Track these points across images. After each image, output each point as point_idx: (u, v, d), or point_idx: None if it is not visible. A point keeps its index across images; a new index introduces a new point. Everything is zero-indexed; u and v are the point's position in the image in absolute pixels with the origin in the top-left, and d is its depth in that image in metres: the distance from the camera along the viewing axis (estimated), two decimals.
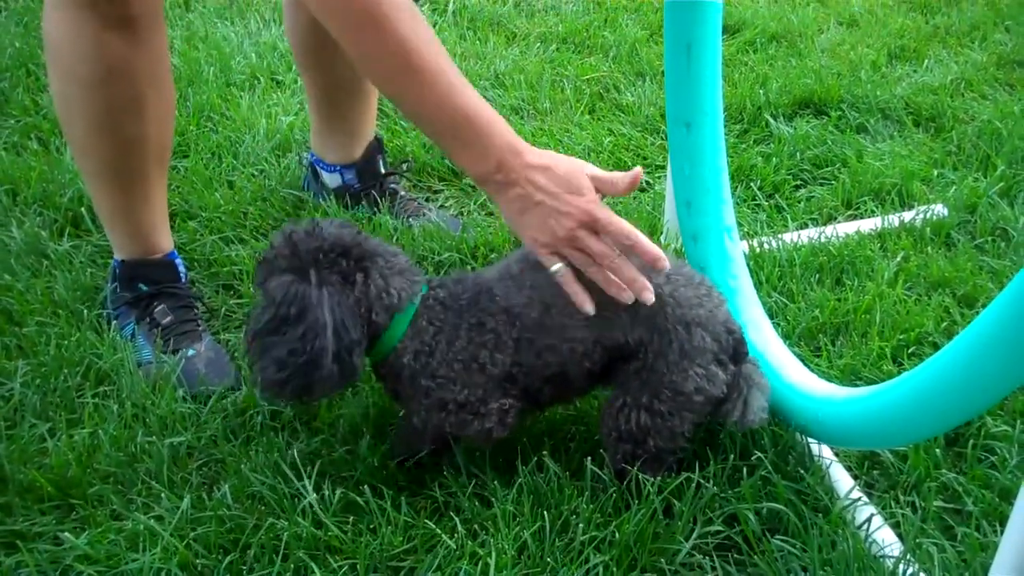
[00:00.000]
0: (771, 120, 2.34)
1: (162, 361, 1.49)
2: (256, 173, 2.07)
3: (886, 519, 1.22)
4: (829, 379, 1.38)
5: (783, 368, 1.33)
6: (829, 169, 2.15)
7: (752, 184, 2.06)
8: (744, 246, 1.71)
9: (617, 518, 1.17)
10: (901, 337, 1.53)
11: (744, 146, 2.23)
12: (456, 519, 1.19)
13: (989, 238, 1.85)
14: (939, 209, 1.93)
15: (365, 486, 1.22)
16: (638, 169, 1.20)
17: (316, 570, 1.13)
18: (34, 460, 1.30)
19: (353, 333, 1.13)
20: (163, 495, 1.25)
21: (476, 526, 1.20)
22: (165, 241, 1.61)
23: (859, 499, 1.22)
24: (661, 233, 1.81)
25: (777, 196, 2.03)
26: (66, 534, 1.17)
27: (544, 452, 1.25)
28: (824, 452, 1.30)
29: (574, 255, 1.16)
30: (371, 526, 1.19)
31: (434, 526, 1.18)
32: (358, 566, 1.15)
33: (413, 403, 1.22)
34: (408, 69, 1.14)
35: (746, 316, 1.43)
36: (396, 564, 1.17)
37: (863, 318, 1.58)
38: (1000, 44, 2.85)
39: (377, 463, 1.29)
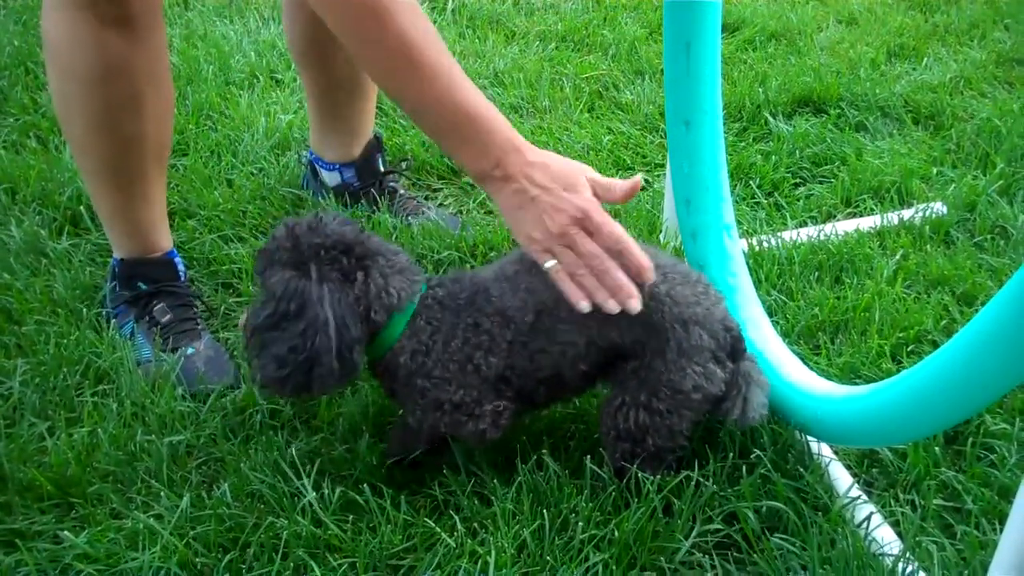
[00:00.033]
0: (770, 118, 2.34)
1: (161, 360, 1.49)
2: (255, 171, 2.07)
3: (885, 517, 1.22)
4: (828, 377, 1.38)
5: (782, 366, 1.33)
6: (828, 167, 2.15)
7: (751, 182, 2.06)
8: (743, 244, 1.71)
9: (617, 516, 1.17)
10: (900, 335, 1.53)
11: (743, 144, 2.23)
12: (456, 517, 1.19)
13: (988, 236, 1.85)
14: (938, 207, 1.93)
15: (364, 485, 1.22)
16: (637, 177, 1.20)
17: (316, 568, 1.13)
18: (33, 459, 1.30)
19: (354, 330, 1.13)
20: (163, 494, 1.25)
21: (476, 524, 1.20)
22: (164, 240, 1.61)
23: (858, 497, 1.22)
24: (660, 231, 1.81)
25: (776, 194, 2.03)
26: (65, 533, 1.17)
27: (543, 450, 1.25)
28: (823, 450, 1.30)
29: (565, 254, 1.15)
30: (371, 525, 1.19)
31: (433, 524, 1.18)
32: (357, 564, 1.15)
33: (408, 402, 1.22)
34: (408, 64, 1.13)
35: (745, 314, 1.42)
36: (396, 562, 1.17)
37: (862, 316, 1.58)
38: (999, 42, 2.85)
39: (376, 462, 1.29)
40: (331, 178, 1.94)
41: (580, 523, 1.17)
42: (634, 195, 1.20)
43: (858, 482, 1.27)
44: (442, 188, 2.12)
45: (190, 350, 1.51)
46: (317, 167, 1.95)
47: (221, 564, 1.14)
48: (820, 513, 1.21)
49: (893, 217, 1.90)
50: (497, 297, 1.19)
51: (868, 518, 1.19)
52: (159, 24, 1.44)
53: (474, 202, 2.03)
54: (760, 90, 2.45)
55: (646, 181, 2.11)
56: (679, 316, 1.17)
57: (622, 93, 2.51)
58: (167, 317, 1.56)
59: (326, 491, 1.22)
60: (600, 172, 2.07)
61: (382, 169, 1.96)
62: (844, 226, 1.86)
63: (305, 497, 1.21)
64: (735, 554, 1.19)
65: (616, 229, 1.14)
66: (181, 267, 1.63)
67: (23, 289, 1.63)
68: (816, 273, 1.71)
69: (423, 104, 1.17)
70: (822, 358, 1.49)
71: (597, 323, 1.17)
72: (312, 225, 1.15)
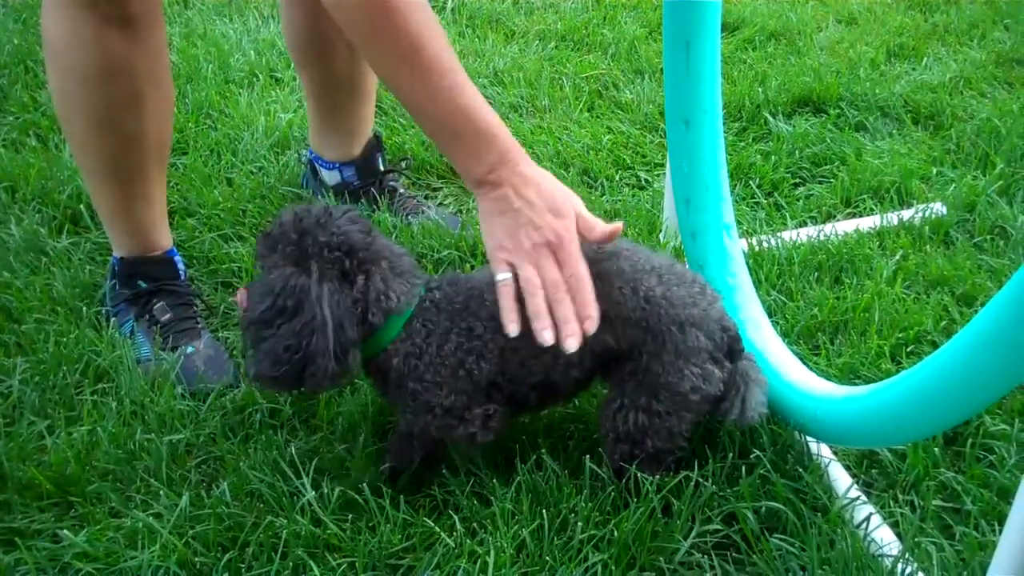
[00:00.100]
0: (770, 118, 2.34)
1: (161, 358, 1.49)
2: (255, 170, 2.07)
3: (885, 518, 1.22)
4: (828, 377, 1.38)
5: (782, 366, 1.33)
6: (828, 167, 2.15)
7: (751, 182, 2.06)
8: (743, 244, 1.71)
9: (616, 516, 1.17)
10: (900, 335, 1.53)
11: (743, 144, 2.23)
12: (455, 517, 1.19)
13: (988, 236, 1.85)
14: (938, 207, 1.93)
15: (364, 484, 1.22)
16: (619, 224, 1.19)
17: (315, 568, 1.13)
18: (33, 457, 1.30)
19: (350, 332, 1.13)
20: (162, 493, 1.25)
21: (475, 524, 1.20)
22: (164, 238, 1.61)
23: (858, 498, 1.22)
24: (660, 230, 1.81)
25: (776, 194, 2.03)
26: (65, 531, 1.17)
27: (543, 450, 1.25)
28: (823, 451, 1.30)
29: (527, 270, 1.14)
30: (370, 524, 1.19)
31: (433, 524, 1.18)
32: (357, 564, 1.14)
33: (399, 403, 1.22)
34: (415, 64, 1.13)
35: (745, 314, 1.43)
36: (395, 562, 1.17)
37: (862, 316, 1.58)
38: (999, 42, 2.85)
39: (375, 465, 1.29)
40: (331, 177, 1.94)
41: (579, 523, 1.17)
42: (610, 239, 1.19)
43: (857, 483, 1.27)
44: (442, 187, 2.12)
45: (190, 349, 1.51)
46: (317, 166, 1.95)
47: (220, 563, 1.14)
48: (819, 514, 1.21)
49: (893, 217, 1.90)
50: (491, 302, 1.18)
51: (867, 519, 1.19)
52: (159, 23, 1.44)
53: (474, 202, 2.02)
54: (760, 90, 2.45)
55: (646, 180, 2.11)
56: (675, 318, 1.17)
57: (622, 92, 2.51)
58: (167, 316, 1.56)
59: (325, 490, 1.22)
60: (600, 171, 2.09)
61: (382, 168, 1.96)
62: (844, 226, 1.86)
63: (304, 496, 1.21)
64: (734, 554, 1.19)
65: (582, 268, 1.14)
66: (181, 266, 1.63)
67: (23, 287, 1.63)
68: (816, 273, 1.71)
69: (426, 104, 1.17)
70: (821, 358, 1.50)
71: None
72: (320, 219, 1.14)
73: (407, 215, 1.90)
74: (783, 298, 1.63)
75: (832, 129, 2.28)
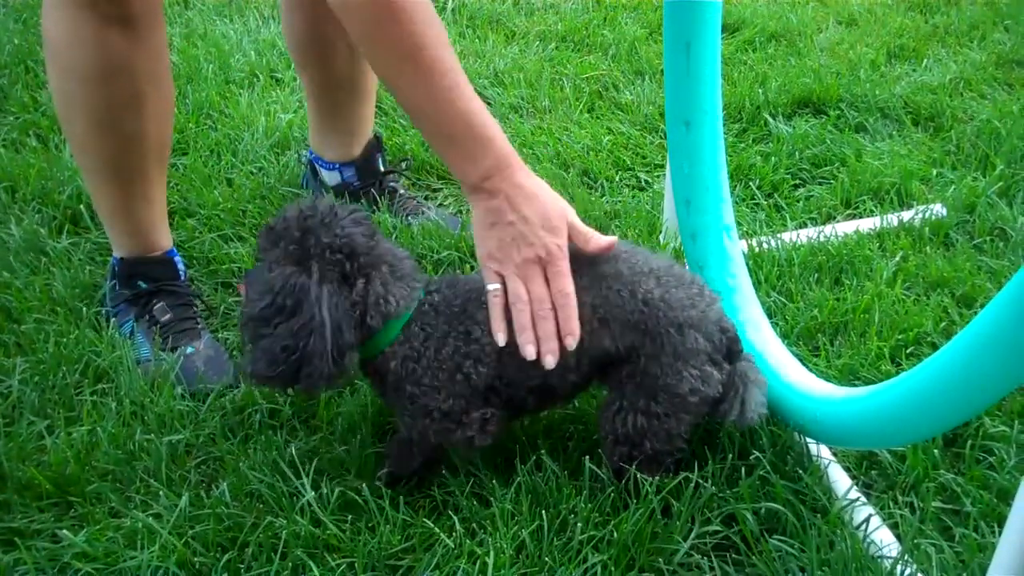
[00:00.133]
0: (770, 119, 2.34)
1: (161, 359, 1.49)
2: (255, 171, 2.07)
3: (884, 519, 1.22)
4: (827, 379, 1.38)
5: (781, 368, 1.33)
6: (828, 168, 2.15)
7: (751, 183, 2.06)
8: (743, 245, 1.71)
9: (615, 517, 1.17)
10: (899, 337, 1.53)
11: (743, 145, 2.23)
12: (454, 518, 1.19)
13: (988, 238, 1.85)
14: (938, 209, 1.93)
15: (363, 484, 1.22)
16: (614, 238, 1.20)
17: (314, 568, 1.13)
18: (32, 457, 1.30)
19: (348, 336, 1.12)
20: (161, 493, 1.25)
21: (474, 525, 1.20)
22: (164, 239, 1.61)
23: (857, 499, 1.22)
24: (660, 231, 1.81)
25: (776, 195, 2.03)
26: (64, 532, 1.17)
27: (542, 451, 1.25)
28: (822, 452, 1.30)
29: (515, 283, 1.16)
30: (369, 524, 1.19)
31: (432, 525, 1.18)
32: (356, 564, 1.14)
33: (397, 406, 1.22)
34: (418, 67, 1.14)
35: (745, 315, 1.43)
36: (394, 563, 1.17)
37: (862, 318, 1.58)
38: (999, 44, 2.85)
39: (375, 468, 1.29)
40: (331, 177, 1.94)
41: (579, 524, 1.17)
42: (604, 251, 1.20)
43: (857, 484, 1.27)
44: (442, 188, 2.12)
45: (190, 349, 1.51)
46: (317, 166, 1.95)
47: (220, 563, 1.14)
48: (819, 515, 1.21)
49: (893, 219, 1.90)
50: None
51: (867, 520, 1.19)
52: (160, 23, 1.44)
53: None
54: (760, 91, 2.45)
55: (646, 181, 2.11)
56: (674, 320, 1.17)
57: (622, 93, 2.51)
58: (167, 316, 1.56)
59: (325, 491, 1.22)
60: (600, 172, 2.09)
61: (382, 169, 1.96)
62: (844, 227, 1.86)
63: (304, 497, 1.21)
64: (734, 556, 1.19)
65: (568, 285, 1.15)
66: (181, 266, 1.64)
67: (23, 287, 1.63)
68: (816, 274, 1.71)
69: (426, 107, 1.17)
70: (821, 360, 1.50)
71: (588, 332, 1.17)
72: (325, 219, 1.13)
73: (407, 216, 1.90)
74: (783, 299, 1.63)
75: (832, 130, 2.28)
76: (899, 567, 1.13)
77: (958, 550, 1.17)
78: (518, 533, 1.16)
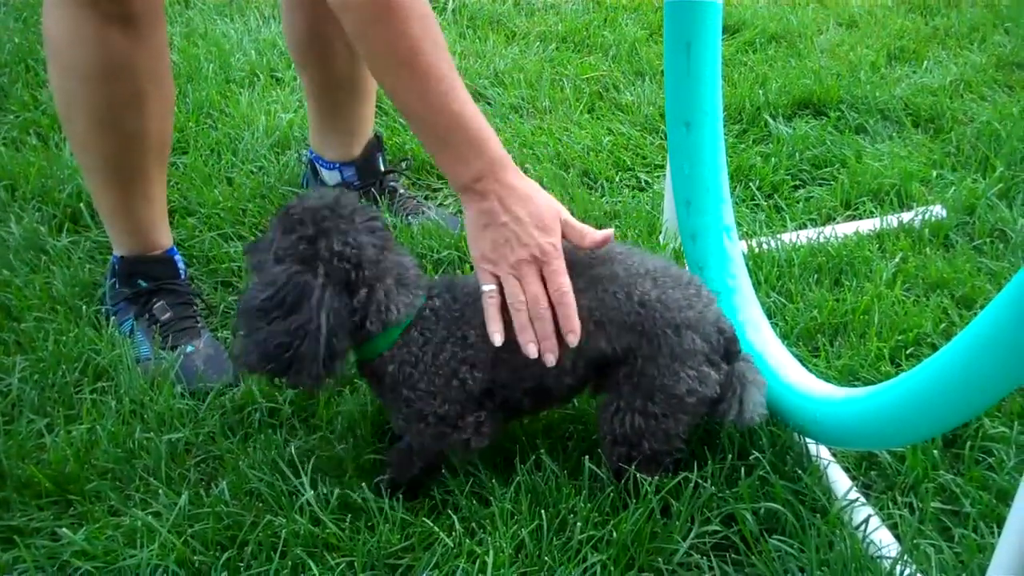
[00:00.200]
0: (770, 120, 2.34)
1: (160, 357, 1.49)
2: (255, 170, 2.07)
3: (884, 520, 1.22)
4: (827, 379, 1.38)
5: (781, 368, 1.33)
6: (828, 169, 2.15)
7: (751, 184, 2.06)
8: (743, 246, 1.71)
9: (615, 517, 1.17)
10: (899, 338, 1.53)
11: (743, 146, 2.23)
12: (454, 517, 1.19)
13: (987, 239, 1.85)
14: (938, 210, 1.93)
15: (363, 484, 1.22)
16: (610, 231, 1.20)
17: (313, 567, 1.13)
18: (32, 456, 1.30)
19: (342, 343, 1.12)
20: (161, 491, 1.25)
21: (474, 524, 1.20)
22: (164, 237, 1.61)
23: (857, 500, 1.22)
24: (660, 232, 1.81)
25: (776, 196, 2.03)
26: (64, 530, 1.17)
27: (542, 451, 1.25)
28: (822, 452, 1.30)
29: (511, 283, 1.16)
30: (369, 524, 1.19)
31: (432, 524, 1.18)
32: (355, 564, 1.14)
33: (393, 409, 1.22)
34: (414, 69, 1.14)
35: (744, 316, 1.43)
36: (393, 562, 1.17)
37: (861, 319, 1.58)
38: (999, 46, 2.85)
39: (371, 466, 1.29)
40: (331, 177, 1.94)
41: (578, 523, 1.17)
42: (600, 246, 1.20)
43: (856, 484, 1.27)
44: (442, 188, 2.12)
45: (189, 348, 1.51)
46: (317, 166, 1.95)
47: (219, 562, 1.14)
48: (818, 515, 1.21)
49: (892, 220, 1.90)
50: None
51: (866, 520, 1.19)
52: (160, 22, 1.44)
53: None
54: (760, 92, 2.45)
55: (646, 182, 2.11)
56: (671, 321, 1.17)
57: (622, 94, 2.51)
58: (167, 315, 1.56)
59: (324, 490, 1.22)
60: (600, 173, 2.09)
61: (382, 168, 1.96)
62: (843, 228, 1.86)
63: (303, 496, 1.21)
64: (733, 556, 1.19)
65: (565, 283, 1.15)
66: (181, 265, 1.63)
67: (22, 286, 1.63)
68: (815, 275, 1.71)
69: (420, 108, 1.17)
70: (821, 360, 1.50)
71: (584, 335, 1.16)
72: (341, 224, 1.13)
73: (407, 215, 1.91)
74: (783, 300, 1.63)
75: (832, 132, 2.29)
76: (898, 567, 1.13)
77: (957, 551, 1.17)
78: (517, 532, 1.16)
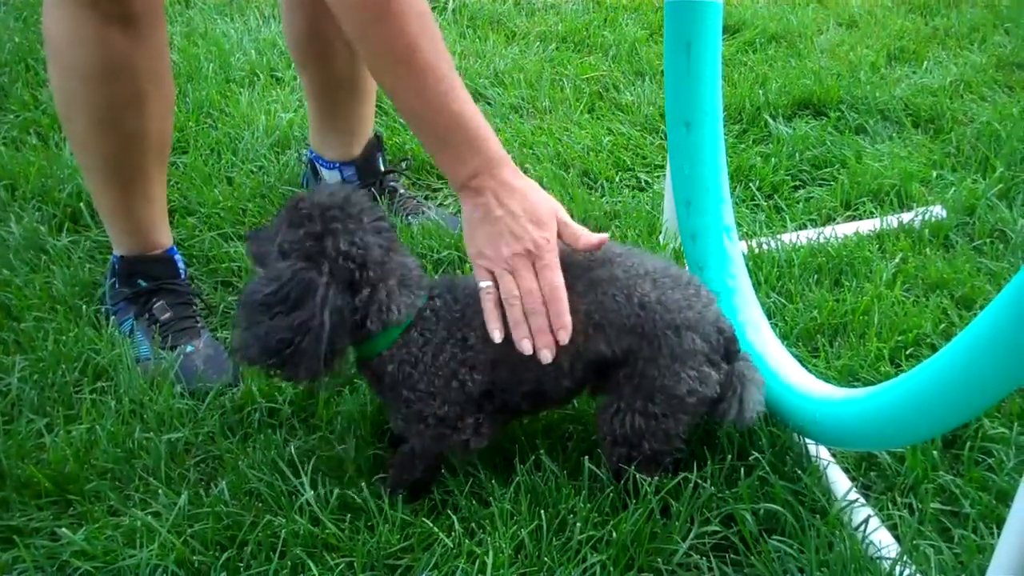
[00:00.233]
0: (770, 120, 2.34)
1: (160, 357, 1.49)
2: (255, 170, 2.07)
3: (883, 520, 1.22)
4: (827, 380, 1.38)
5: (781, 369, 1.33)
6: (828, 170, 2.15)
7: (751, 184, 2.06)
8: (743, 246, 1.71)
9: (614, 518, 1.17)
10: (899, 338, 1.53)
11: (743, 146, 2.23)
12: (453, 517, 1.19)
13: (987, 240, 1.85)
14: (938, 211, 1.93)
15: (362, 484, 1.22)
16: (605, 235, 1.21)
17: (313, 567, 1.13)
18: (31, 456, 1.30)
19: (342, 341, 1.13)
20: (160, 491, 1.25)
21: (473, 525, 1.20)
22: (164, 237, 1.61)
23: (856, 500, 1.22)
24: (660, 232, 1.81)
25: (776, 196, 2.03)
26: (63, 530, 1.17)
27: (541, 451, 1.25)
28: (822, 453, 1.30)
29: (506, 279, 1.16)
30: (368, 524, 1.19)
31: (431, 524, 1.18)
32: (355, 564, 1.14)
33: (392, 408, 1.22)
34: (411, 68, 1.14)
35: (744, 316, 1.43)
36: (393, 562, 1.17)
37: (861, 319, 1.58)
38: (999, 46, 2.85)
39: (369, 466, 1.29)
40: (331, 177, 1.94)
41: (578, 524, 1.17)
42: (595, 249, 1.21)
43: (856, 485, 1.27)
44: (442, 188, 2.12)
45: (189, 348, 1.51)
46: (317, 165, 1.95)
47: (219, 562, 1.14)
48: (818, 516, 1.21)
49: (892, 220, 1.90)
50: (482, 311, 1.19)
51: (866, 521, 1.19)
52: (160, 22, 1.44)
53: None
54: (760, 92, 2.45)
55: (646, 182, 2.11)
56: (671, 322, 1.17)
57: (622, 94, 2.51)
58: (166, 315, 1.56)
59: (323, 490, 1.22)
60: (600, 173, 2.09)
61: (382, 168, 1.96)
62: (843, 229, 1.86)
63: (303, 496, 1.21)
64: (732, 556, 1.19)
65: (557, 278, 1.15)
66: (181, 265, 1.63)
67: (22, 285, 1.63)
68: (815, 276, 1.71)
69: (418, 106, 1.17)
70: (821, 361, 1.50)
71: (582, 338, 1.17)
72: (350, 224, 1.13)
73: (407, 215, 1.91)
74: (783, 300, 1.63)
75: (832, 132, 2.29)
76: (898, 568, 1.13)
77: (957, 551, 1.17)
78: (517, 533, 1.16)
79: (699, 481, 1.21)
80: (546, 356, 1.15)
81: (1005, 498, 1.24)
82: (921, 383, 1.02)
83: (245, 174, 2.03)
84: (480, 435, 1.20)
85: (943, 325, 1.57)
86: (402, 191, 1.97)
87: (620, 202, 1.99)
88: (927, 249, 1.81)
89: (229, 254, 1.75)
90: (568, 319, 1.14)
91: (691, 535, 1.18)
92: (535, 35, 2.87)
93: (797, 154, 2.18)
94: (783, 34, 2.92)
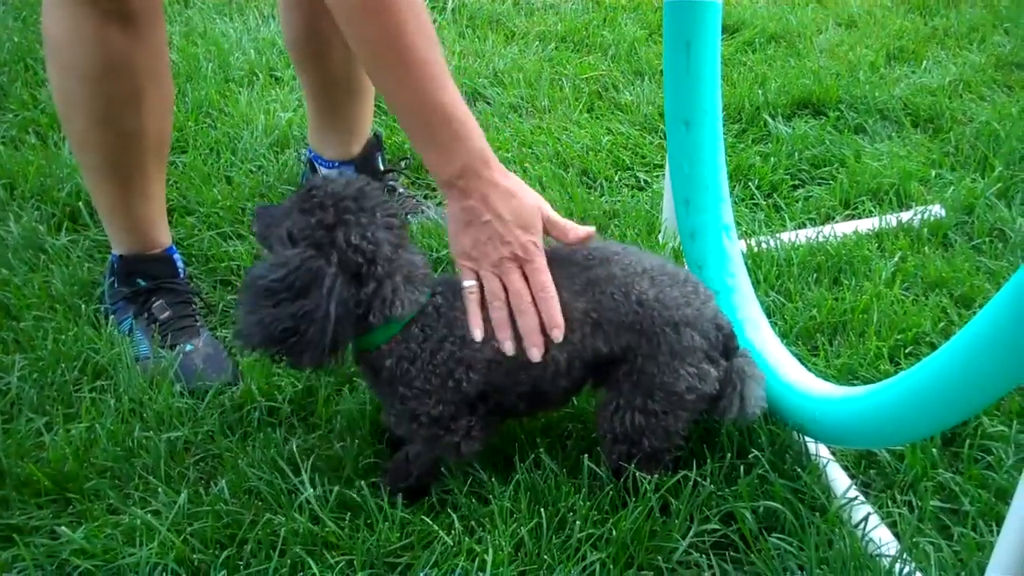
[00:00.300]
0: (769, 120, 2.34)
1: (160, 356, 1.49)
2: (254, 169, 2.07)
3: (883, 518, 1.22)
4: (826, 378, 1.38)
5: (780, 367, 1.34)
6: (827, 169, 2.15)
7: (750, 183, 2.06)
8: (742, 245, 1.71)
9: (614, 515, 1.17)
10: (898, 337, 1.53)
11: (742, 145, 2.24)
12: (453, 516, 1.19)
13: (986, 239, 1.85)
14: (937, 210, 1.93)
15: (362, 482, 1.22)
16: (591, 228, 1.22)
17: (313, 566, 1.13)
18: (31, 454, 1.30)
19: (347, 332, 1.13)
20: (160, 490, 1.25)
21: (473, 523, 1.20)
22: (163, 236, 1.61)
23: (856, 498, 1.22)
24: (659, 231, 1.81)
25: (775, 195, 2.03)
26: (63, 528, 1.17)
27: (541, 449, 1.25)
28: (821, 451, 1.30)
29: (491, 280, 1.16)
30: (368, 522, 1.19)
31: (431, 523, 1.18)
32: (355, 562, 1.14)
33: (386, 404, 1.23)
34: (400, 58, 1.14)
35: (743, 315, 1.43)
36: (393, 560, 1.16)
37: (860, 318, 1.58)
38: (998, 46, 2.86)
39: (368, 465, 1.29)
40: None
41: (578, 522, 1.17)
42: (584, 242, 1.22)
43: (856, 483, 1.27)
44: None
45: (188, 347, 1.51)
46: (316, 165, 1.95)
47: (218, 561, 1.14)
48: (817, 513, 1.21)
49: (892, 219, 1.90)
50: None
51: (865, 519, 1.19)
52: (159, 21, 1.44)
53: None
54: (759, 92, 2.45)
55: (645, 181, 2.11)
56: (669, 319, 1.17)
57: (621, 94, 2.51)
58: (166, 314, 1.56)
59: (323, 488, 1.22)
60: (599, 172, 2.09)
61: (381, 168, 1.96)
62: (843, 228, 1.86)
63: (303, 494, 1.21)
64: (732, 554, 1.19)
65: (547, 281, 1.16)
66: (180, 264, 1.63)
67: (21, 285, 1.63)
68: (814, 274, 1.71)
69: (406, 98, 1.17)
70: (820, 359, 1.50)
71: (579, 338, 1.17)
72: (363, 218, 1.13)
73: (406, 215, 1.91)
74: (782, 299, 1.63)
75: (831, 131, 2.29)
76: (897, 565, 1.13)
77: (956, 549, 1.17)
78: (517, 531, 1.16)
79: (699, 479, 1.21)
80: (535, 355, 1.15)
81: (1004, 496, 1.24)
82: (920, 381, 1.02)
83: (244, 173, 2.03)
84: (471, 438, 1.20)
85: (942, 324, 1.58)
86: (401, 190, 1.97)
87: (619, 201, 1.99)
88: (926, 248, 1.81)
89: (228, 253, 1.75)
90: (560, 318, 1.15)
91: (691, 533, 1.18)
92: (534, 35, 2.87)
93: (796, 153, 2.18)
94: (782, 34, 2.93)
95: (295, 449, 1.28)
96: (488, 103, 2.46)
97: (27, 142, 2.14)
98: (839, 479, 1.26)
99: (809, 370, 1.36)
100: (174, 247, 1.63)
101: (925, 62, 2.73)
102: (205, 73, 2.46)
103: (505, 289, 1.16)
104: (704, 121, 1.50)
